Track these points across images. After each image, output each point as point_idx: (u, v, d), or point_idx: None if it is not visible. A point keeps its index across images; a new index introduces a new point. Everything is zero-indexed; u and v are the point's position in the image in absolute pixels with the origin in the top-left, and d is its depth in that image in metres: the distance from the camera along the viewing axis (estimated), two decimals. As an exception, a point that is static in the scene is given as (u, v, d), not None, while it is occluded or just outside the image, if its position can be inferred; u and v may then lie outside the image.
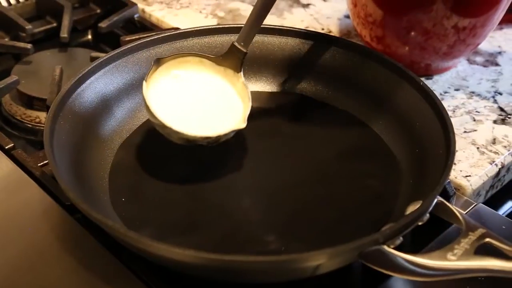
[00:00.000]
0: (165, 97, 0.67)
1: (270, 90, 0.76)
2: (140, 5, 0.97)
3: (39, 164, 0.66)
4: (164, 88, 0.67)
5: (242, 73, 0.69)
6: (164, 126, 0.63)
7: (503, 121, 0.76)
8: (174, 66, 0.68)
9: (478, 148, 0.72)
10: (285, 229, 0.60)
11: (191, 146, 0.65)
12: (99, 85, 0.69)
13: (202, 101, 0.68)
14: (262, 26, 0.76)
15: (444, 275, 0.50)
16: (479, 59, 0.87)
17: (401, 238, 0.52)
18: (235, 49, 0.69)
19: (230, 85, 0.70)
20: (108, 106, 0.69)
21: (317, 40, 0.76)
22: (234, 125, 0.66)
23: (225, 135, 0.65)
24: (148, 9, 0.96)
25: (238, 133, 0.67)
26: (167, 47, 0.75)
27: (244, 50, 0.68)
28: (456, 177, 0.68)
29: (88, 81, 0.68)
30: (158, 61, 0.67)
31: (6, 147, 0.69)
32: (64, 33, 0.87)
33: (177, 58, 0.68)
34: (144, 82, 0.65)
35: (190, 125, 0.65)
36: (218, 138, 0.65)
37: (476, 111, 0.77)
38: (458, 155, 0.71)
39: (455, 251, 0.50)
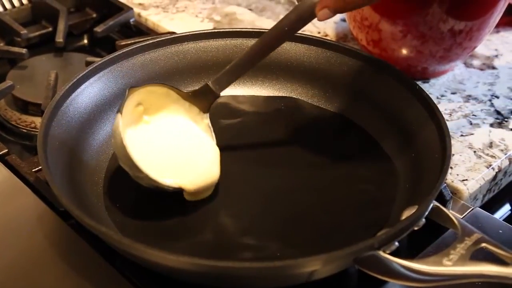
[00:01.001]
0: (135, 140, 0.63)
1: (265, 94, 0.76)
2: (136, 10, 0.96)
3: (33, 170, 0.66)
4: (133, 130, 0.64)
5: (208, 114, 0.67)
6: (138, 171, 0.60)
7: (500, 125, 0.75)
8: (142, 96, 0.64)
9: (475, 151, 0.72)
10: (280, 234, 0.60)
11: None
12: (94, 90, 0.69)
13: (173, 146, 0.65)
14: (258, 30, 0.77)
15: (440, 280, 0.50)
16: (475, 62, 0.86)
17: (396, 243, 0.52)
18: (208, 90, 0.66)
19: (194, 123, 0.67)
20: (103, 111, 0.69)
21: (313, 44, 0.75)
22: (211, 176, 0.64)
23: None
24: (144, 13, 0.96)
25: (233, 138, 0.66)
26: (162, 51, 0.75)
27: (218, 94, 0.66)
28: (452, 181, 0.68)
29: (83, 86, 0.68)
30: (130, 90, 0.62)
31: (0, 153, 0.68)
32: (59, 38, 0.87)
33: (147, 87, 0.64)
34: (118, 115, 0.60)
35: (163, 172, 0.62)
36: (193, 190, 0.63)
37: (473, 115, 0.77)
38: (455, 159, 0.70)
39: (451, 256, 0.50)
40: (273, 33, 0.64)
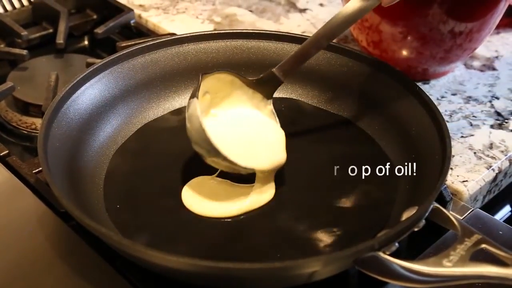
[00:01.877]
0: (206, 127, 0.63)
1: (266, 96, 0.76)
2: (137, 11, 0.96)
3: (34, 171, 0.66)
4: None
5: (271, 100, 0.68)
6: (217, 153, 0.60)
7: (500, 126, 0.75)
8: (208, 84, 0.64)
9: (475, 153, 0.72)
10: (280, 235, 0.60)
11: (190, 155, 0.64)
12: (94, 91, 0.69)
13: (241, 132, 0.67)
14: (258, 31, 0.77)
15: (440, 281, 0.50)
16: (476, 63, 0.86)
17: (396, 244, 0.52)
18: (272, 77, 0.67)
19: (257, 110, 0.68)
20: (103, 112, 0.69)
21: (313, 45, 0.75)
22: (279, 158, 0.65)
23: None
24: (144, 15, 0.96)
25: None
26: (163, 53, 0.74)
27: (282, 80, 0.67)
28: (453, 182, 0.68)
29: (83, 87, 0.68)
30: (203, 76, 0.64)
31: (1, 154, 0.68)
32: (60, 39, 0.87)
33: (215, 74, 0.65)
34: (195, 99, 0.61)
35: (237, 156, 0.62)
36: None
37: (473, 116, 0.77)
38: (455, 160, 0.70)
39: (451, 257, 0.50)
40: (338, 18, 0.64)
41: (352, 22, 0.65)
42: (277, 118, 0.68)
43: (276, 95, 0.75)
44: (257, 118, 0.68)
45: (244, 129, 0.67)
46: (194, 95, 0.61)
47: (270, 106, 0.68)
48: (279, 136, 0.67)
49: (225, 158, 0.60)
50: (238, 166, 0.61)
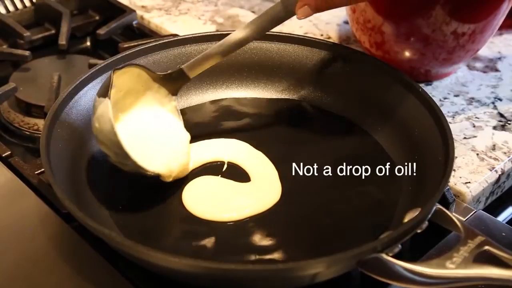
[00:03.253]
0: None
1: (268, 97, 0.76)
2: (139, 12, 0.96)
3: (36, 172, 0.66)
4: None
5: (176, 97, 0.68)
6: (127, 157, 0.59)
7: (503, 127, 0.75)
8: (116, 80, 0.62)
9: (478, 154, 0.71)
10: (283, 237, 0.60)
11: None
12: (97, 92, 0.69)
13: (144, 132, 0.66)
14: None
15: (443, 283, 0.50)
16: (478, 64, 0.86)
17: (399, 246, 0.52)
18: (181, 73, 0.67)
19: (160, 106, 0.68)
20: (106, 113, 0.69)
21: (316, 46, 0.75)
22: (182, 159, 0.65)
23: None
24: (147, 16, 0.96)
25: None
26: (165, 53, 0.75)
27: (190, 77, 0.67)
28: (455, 184, 0.68)
29: (86, 88, 0.68)
30: (114, 72, 0.62)
31: (3, 155, 0.68)
32: (62, 40, 0.87)
33: (125, 68, 0.64)
34: (107, 100, 0.59)
35: (143, 158, 0.61)
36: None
37: (476, 117, 0.77)
38: (458, 162, 0.70)
39: (454, 259, 0.50)
40: (256, 23, 0.65)
41: (269, 28, 0.66)
42: (181, 116, 0.68)
43: (278, 96, 0.76)
44: (162, 119, 0.68)
45: (149, 131, 0.66)
46: (105, 94, 0.59)
47: (174, 103, 0.68)
48: (181, 135, 0.67)
49: (133, 162, 0.60)
50: (145, 170, 0.61)
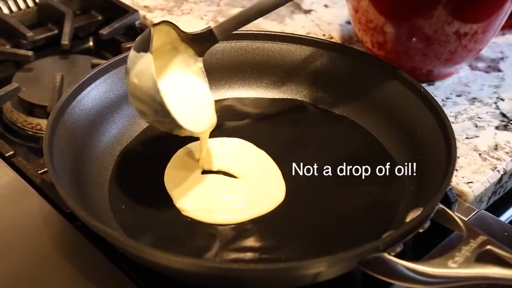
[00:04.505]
0: None
1: (270, 97, 0.76)
2: (142, 12, 0.97)
3: (39, 172, 0.66)
4: None
5: (202, 59, 0.66)
6: (167, 115, 0.58)
7: (505, 127, 0.75)
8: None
9: (480, 154, 0.71)
10: (284, 236, 0.60)
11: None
12: (100, 92, 0.69)
13: (172, 91, 0.64)
14: (263, 32, 0.77)
15: (445, 283, 0.50)
16: (481, 65, 0.86)
17: (401, 245, 0.52)
18: (210, 35, 0.65)
19: (185, 66, 0.66)
20: (109, 113, 0.69)
21: (318, 46, 0.75)
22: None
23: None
24: (149, 16, 0.96)
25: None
26: (167, 53, 0.74)
27: (219, 39, 0.66)
28: (458, 184, 0.68)
29: (89, 88, 0.68)
30: (153, 28, 0.60)
31: (7, 155, 0.69)
32: (65, 40, 0.87)
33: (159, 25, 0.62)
34: (149, 54, 0.57)
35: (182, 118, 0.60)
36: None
37: (478, 117, 0.77)
38: (460, 162, 0.70)
39: (456, 258, 0.50)
40: None
41: None
42: (206, 77, 0.66)
43: (280, 96, 0.76)
44: (189, 79, 0.66)
45: (179, 91, 0.65)
46: (146, 49, 0.57)
47: (200, 64, 0.66)
48: (209, 98, 0.66)
49: (173, 120, 0.58)
50: (183, 129, 0.59)
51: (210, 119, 0.65)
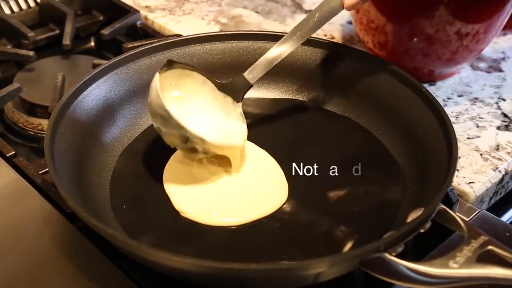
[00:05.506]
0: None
1: (271, 97, 0.76)
2: (143, 12, 0.97)
3: (40, 172, 0.66)
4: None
5: (241, 103, 0.68)
6: (179, 126, 0.62)
7: (506, 128, 0.75)
8: (177, 78, 0.66)
9: (481, 154, 0.71)
10: (286, 236, 0.60)
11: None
12: (101, 92, 0.69)
13: (206, 117, 0.68)
14: (264, 32, 0.77)
15: (446, 283, 0.50)
16: (482, 65, 0.86)
17: (403, 246, 0.52)
18: (242, 80, 0.68)
19: (224, 114, 0.68)
20: (110, 113, 0.69)
21: (319, 46, 0.75)
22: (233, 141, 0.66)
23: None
24: (150, 16, 0.96)
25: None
26: (169, 53, 0.75)
27: (251, 83, 0.68)
28: (459, 184, 0.68)
29: (90, 88, 0.68)
30: (170, 63, 0.64)
31: (8, 155, 0.69)
32: (66, 40, 0.87)
33: (185, 70, 0.66)
34: (157, 74, 0.62)
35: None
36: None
37: (480, 117, 0.77)
38: (461, 162, 0.70)
39: (457, 258, 0.50)
40: (305, 23, 0.67)
41: (318, 26, 0.67)
42: (245, 120, 0.68)
43: (281, 96, 0.76)
44: (224, 120, 0.69)
45: (207, 115, 0.68)
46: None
47: (239, 109, 0.68)
48: (242, 129, 0.68)
49: (177, 124, 0.61)
50: (189, 133, 0.62)
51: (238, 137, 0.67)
